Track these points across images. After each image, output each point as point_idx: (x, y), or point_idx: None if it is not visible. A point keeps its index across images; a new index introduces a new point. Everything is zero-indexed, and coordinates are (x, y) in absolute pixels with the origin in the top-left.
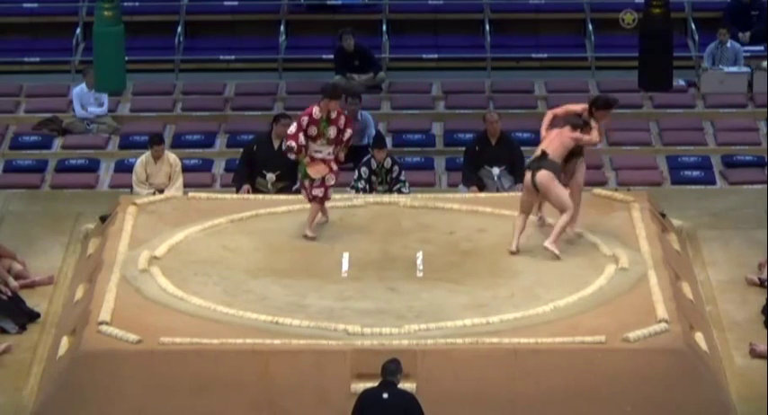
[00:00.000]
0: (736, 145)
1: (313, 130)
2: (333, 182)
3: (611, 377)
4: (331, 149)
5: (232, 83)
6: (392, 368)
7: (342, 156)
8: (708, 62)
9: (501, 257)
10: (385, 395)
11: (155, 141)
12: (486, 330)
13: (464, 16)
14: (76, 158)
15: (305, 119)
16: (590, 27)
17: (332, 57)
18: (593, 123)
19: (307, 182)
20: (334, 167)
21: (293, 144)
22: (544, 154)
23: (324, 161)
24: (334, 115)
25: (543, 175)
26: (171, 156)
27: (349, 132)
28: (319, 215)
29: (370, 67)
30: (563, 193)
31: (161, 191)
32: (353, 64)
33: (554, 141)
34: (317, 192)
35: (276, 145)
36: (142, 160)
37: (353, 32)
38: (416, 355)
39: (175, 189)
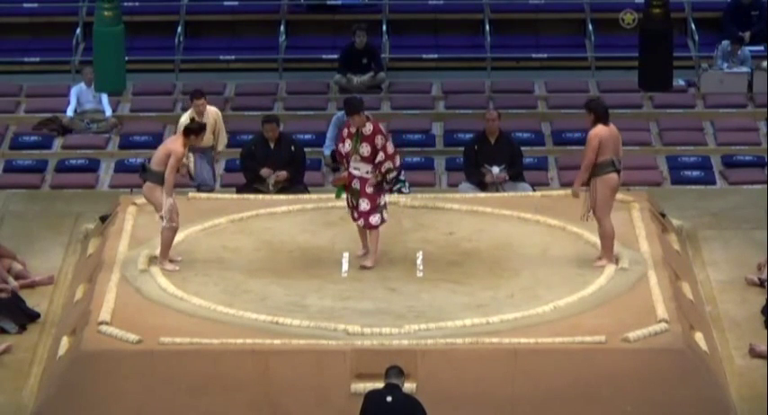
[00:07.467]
0: (736, 145)
1: (347, 145)
2: (366, 207)
3: (611, 377)
4: (369, 167)
5: (232, 83)
6: (394, 371)
7: (373, 181)
8: (720, 61)
9: (501, 257)
10: (389, 398)
11: (196, 95)
12: (486, 330)
13: (464, 16)
14: (76, 158)
15: (344, 131)
16: (590, 27)
17: (332, 57)
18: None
19: (353, 202)
20: (367, 189)
21: (339, 149)
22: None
23: (358, 178)
24: (367, 132)
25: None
26: (212, 110)
27: (381, 155)
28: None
29: (376, 67)
30: None
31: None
32: (361, 62)
33: None
34: (374, 220)
35: (272, 145)
36: (185, 118)
37: (367, 29)
38: (416, 355)
39: (222, 145)
